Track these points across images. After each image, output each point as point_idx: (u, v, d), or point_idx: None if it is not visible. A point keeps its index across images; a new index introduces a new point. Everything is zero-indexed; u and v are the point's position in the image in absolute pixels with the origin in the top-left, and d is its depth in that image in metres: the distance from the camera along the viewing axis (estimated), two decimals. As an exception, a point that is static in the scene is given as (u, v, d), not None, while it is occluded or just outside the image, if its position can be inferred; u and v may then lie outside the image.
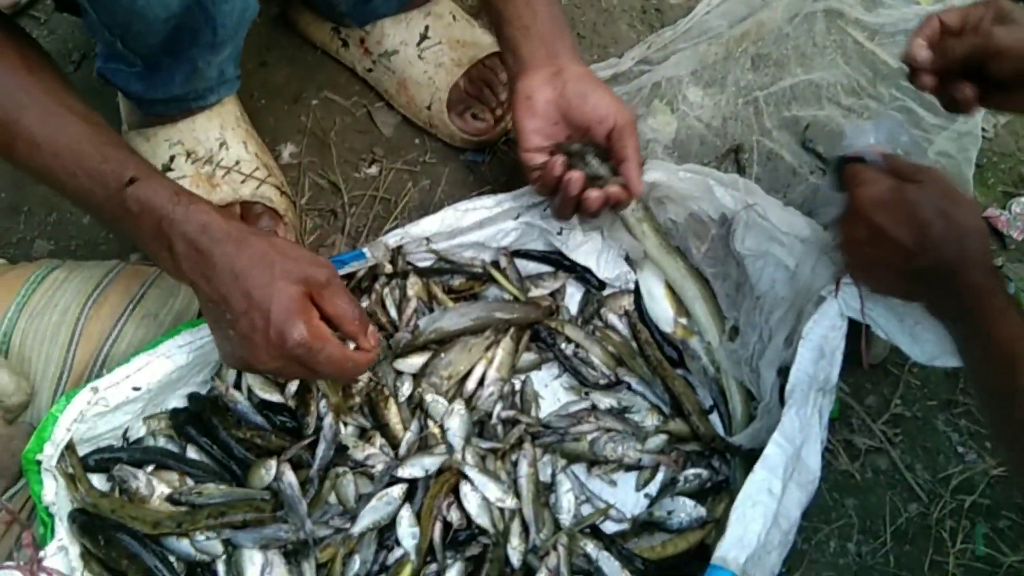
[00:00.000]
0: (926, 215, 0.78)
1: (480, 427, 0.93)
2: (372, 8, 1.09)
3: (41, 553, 0.74)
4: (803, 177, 1.19)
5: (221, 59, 0.93)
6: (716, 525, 0.90)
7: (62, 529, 0.75)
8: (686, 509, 0.90)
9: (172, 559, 0.80)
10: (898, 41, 1.40)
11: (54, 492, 0.75)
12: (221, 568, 0.81)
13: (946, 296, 0.79)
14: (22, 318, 0.90)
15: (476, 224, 1.01)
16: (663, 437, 0.95)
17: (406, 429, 0.90)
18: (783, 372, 0.93)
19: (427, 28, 1.11)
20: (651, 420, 0.96)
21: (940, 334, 0.89)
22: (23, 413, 0.87)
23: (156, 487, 0.82)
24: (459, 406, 0.91)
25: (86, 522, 0.77)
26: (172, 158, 0.98)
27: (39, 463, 0.75)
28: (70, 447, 0.79)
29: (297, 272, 0.72)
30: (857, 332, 0.93)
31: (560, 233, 1.04)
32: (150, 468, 0.84)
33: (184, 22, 0.81)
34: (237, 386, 0.91)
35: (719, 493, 0.93)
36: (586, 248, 1.06)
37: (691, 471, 0.93)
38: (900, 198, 0.81)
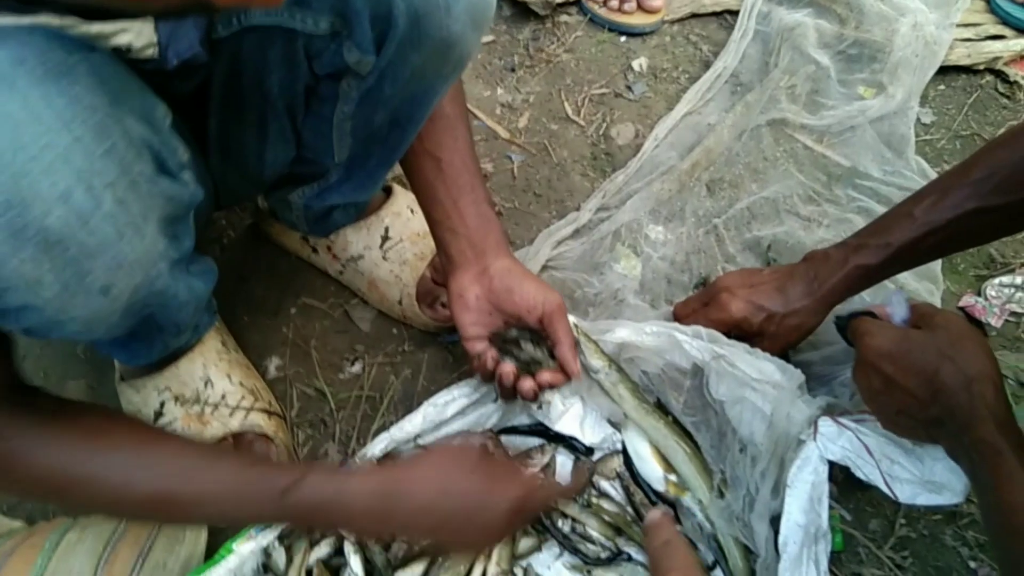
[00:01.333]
0: (930, 362, 0.79)
1: (488, 626, 0.94)
2: (332, 222, 1.15)
3: None
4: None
5: (192, 321, 0.99)
6: None
7: None
8: None
9: None
10: (846, 139, 1.45)
11: None
12: None
13: (959, 448, 0.79)
14: (40, 590, 0.94)
15: (459, 412, 1.04)
16: (669, 606, 0.95)
17: (417, 643, 0.92)
18: (775, 521, 0.94)
19: (387, 229, 1.17)
20: (655, 589, 0.97)
21: (917, 475, 0.90)
22: None
23: None
24: (464, 610, 0.93)
25: None
26: (162, 404, 1.03)
27: None
28: None
29: (464, 456, 0.83)
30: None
31: (540, 407, 1.07)
32: None
33: (140, 329, 0.85)
34: (250, 620, 0.94)
35: (734, 656, 0.94)
36: (568, 416, 1.09)
37: (702, 637, 0.94)
38: (905, 347, 0.82)
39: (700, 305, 1.08)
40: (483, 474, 0.82)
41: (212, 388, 1.04)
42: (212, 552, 0.94)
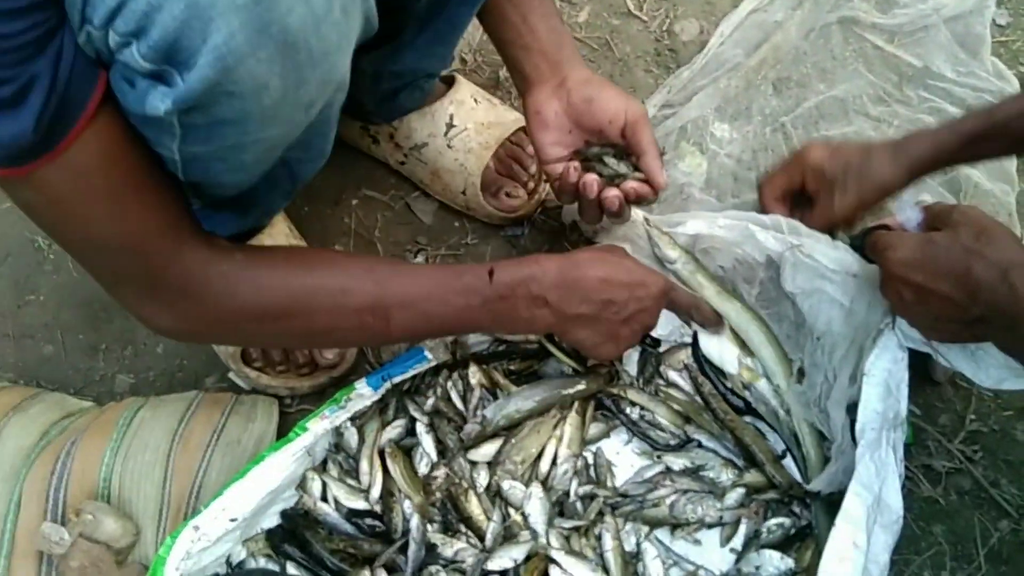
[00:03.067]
0: (959, 261, 0.76)
1: (560, 506, 0.95)
2: (398, 105, 1.13)
3: None
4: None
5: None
6: (804, 575, 0.91)
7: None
8: (773, 562, 0.91)
9: None
10: (919, 39, 1.39)
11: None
12: None
13: (1013, 342, 0.76)
14: (117, 462, 0.95)
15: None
16: (740, 491, 0.96)
17: (489, 519, 0.93)
18: (852, 409, 0.93)
19: (451, 117, 1.14)
20: (726, 475, 0.97)
21: (1000, 360, 0.89)
22: (131, 552, 0.93)
23: (263, 612, 0.87)
24: (536, 489, 0.93)
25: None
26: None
27: (153, 607, 0.80)
28: (181, 586, 0.84)
29: (622, 251, 0.92)
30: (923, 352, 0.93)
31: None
32: (256, 592, 0.88)
33: (259, 185, 0.83)
34: (324, 498, 0.95)
35: (804, 540, 0.94)
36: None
37: (773, 521, 0.94)
38: (930, 251, 0.79)
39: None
40: (638, 263, 0.91)
41: (283, 270, 1.03)
42: (283, 434, 0.94)
